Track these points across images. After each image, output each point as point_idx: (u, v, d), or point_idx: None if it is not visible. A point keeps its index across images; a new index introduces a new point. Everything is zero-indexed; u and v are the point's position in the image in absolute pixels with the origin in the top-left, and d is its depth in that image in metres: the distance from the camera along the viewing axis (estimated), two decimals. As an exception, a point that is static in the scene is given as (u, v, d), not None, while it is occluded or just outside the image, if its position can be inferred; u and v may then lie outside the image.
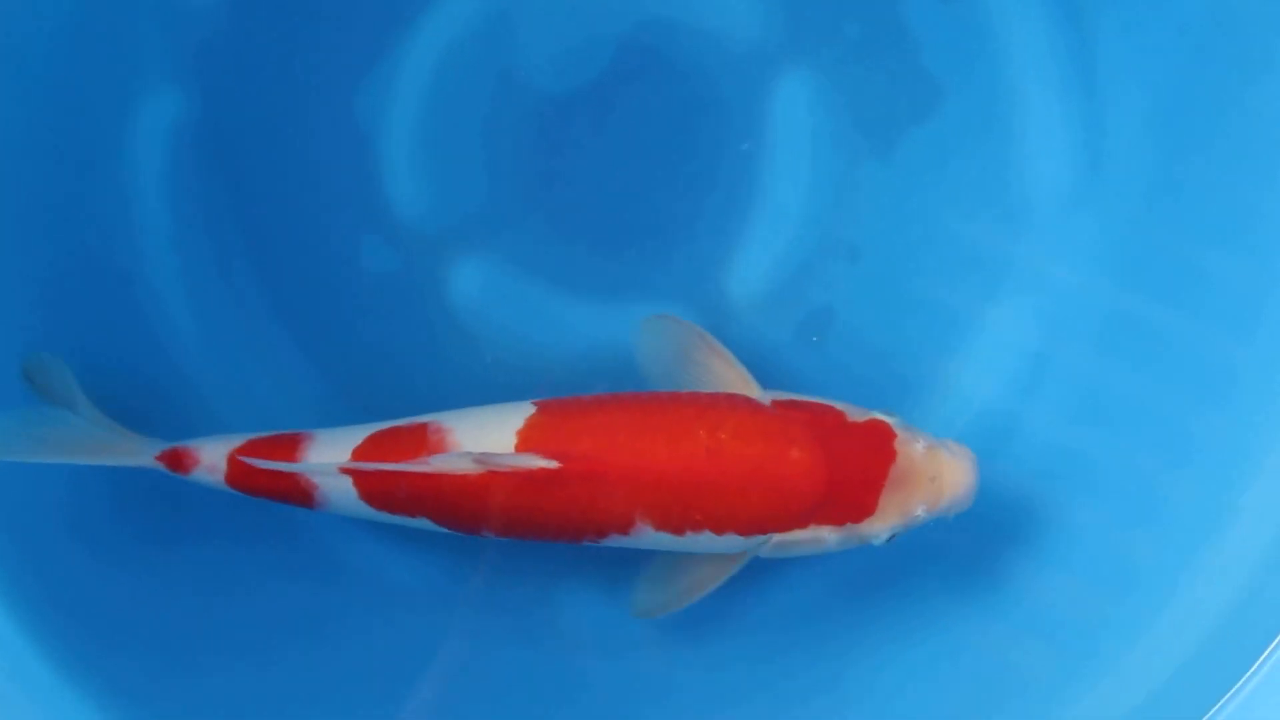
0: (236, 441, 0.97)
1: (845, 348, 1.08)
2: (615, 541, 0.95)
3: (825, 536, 0.94)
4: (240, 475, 0.96)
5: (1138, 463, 1.03)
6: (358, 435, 0.96)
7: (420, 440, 0.94)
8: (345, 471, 0.94)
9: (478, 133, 1.08)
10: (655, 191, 1.08)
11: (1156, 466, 1.03)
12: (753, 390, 0.97)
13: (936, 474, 0.94)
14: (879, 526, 0.94)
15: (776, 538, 0.94)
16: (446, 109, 1.08)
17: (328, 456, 0.95)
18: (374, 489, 0.94)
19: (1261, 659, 0.92)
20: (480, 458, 0.91)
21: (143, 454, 0.97)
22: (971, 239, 1.08)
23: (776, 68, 1.08)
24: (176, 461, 0.97)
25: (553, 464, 0.91)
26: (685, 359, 0.99)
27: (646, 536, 0.94)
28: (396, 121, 1.08)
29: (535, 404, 0.95)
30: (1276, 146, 1.01)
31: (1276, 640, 0.92)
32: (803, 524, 0.93)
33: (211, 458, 0.96)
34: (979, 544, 1.04)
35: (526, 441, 0.93)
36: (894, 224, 1.09)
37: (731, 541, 0.94)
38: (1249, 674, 0.92)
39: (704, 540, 0.94)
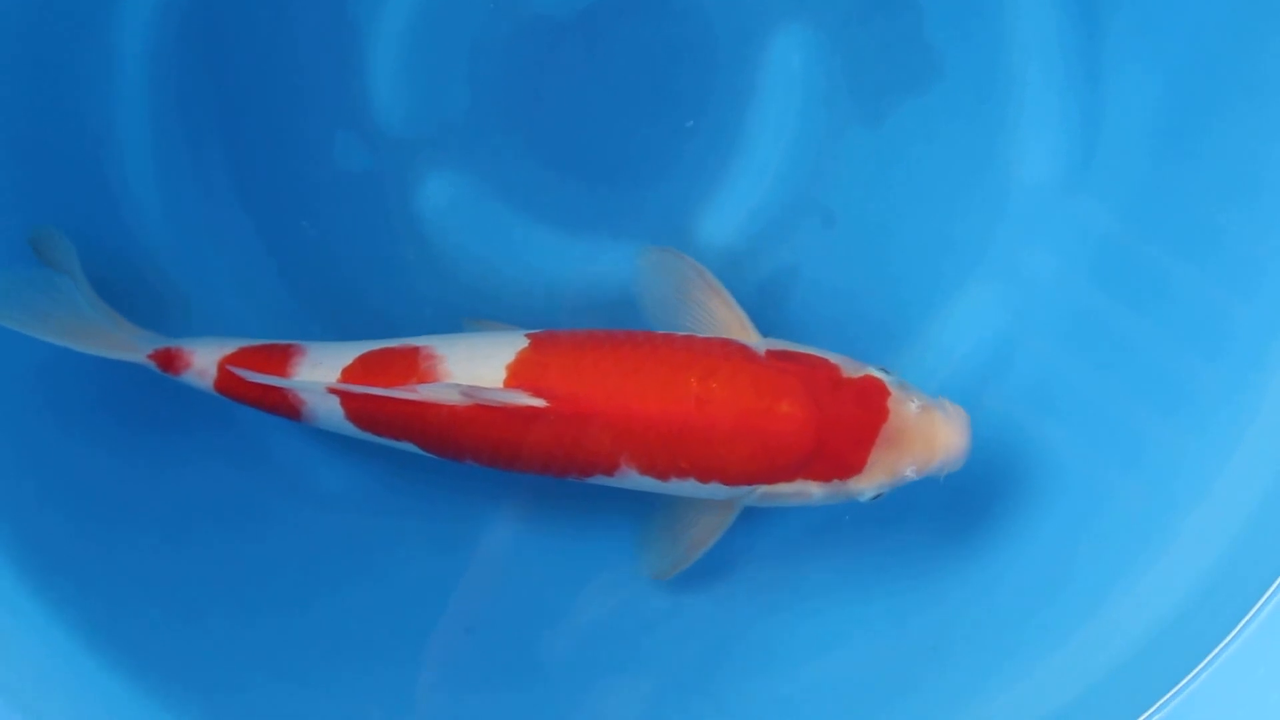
0: (229, 348, 0.97)
1: (807, 311, 1.07)
2: (600, 481, 0.95)
3: (811, 491, 0.93)
4: (229, 383, 0.96)
5: (1118, 430, 1.02)
6: (348, 354, 0.96)
7: (410, 365, 0.94)
8: (333, 392, 0.94)
9: (467, 44, 1.06)
10: (637, 129, 1.07)
11: (1138, 430, 1.02)
12: (749, 334, 0.96)
13: (929, 435, 0.92)
14: (865, 485, 0.93)
15: (762, 489, 0.93)
16: (439, 15, 1.06)
17: (318, 373, 0.95)
18: (360, 410, 0.94)
19: (1240, 625, 0.91)
20: (468, 391, 0.90)
21: (136, 350, 0.97)
22: (950, 218, 1.07)
23: (776, 20, 1.06)
24: (168, 362, 0.97)
25: (539, 402, 0.90)
26: (683, 295, 0.98)
27: (631, 479, 0.93)
28: (388, 21, 1.06)
29: (528, 336, 0.94)
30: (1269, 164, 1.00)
31: (1261, 600, 0.91)
32: (789, 478, 0.92)
33: (203, 362, 0.96)
34: (957, 493, 1.03)
35: (515, 376, 0.92)
36: (873, 192, 1.07)
37: (716, 490, 0.93)
38: (1229, 638, 0.91)
39: (689, 487, 0.93)
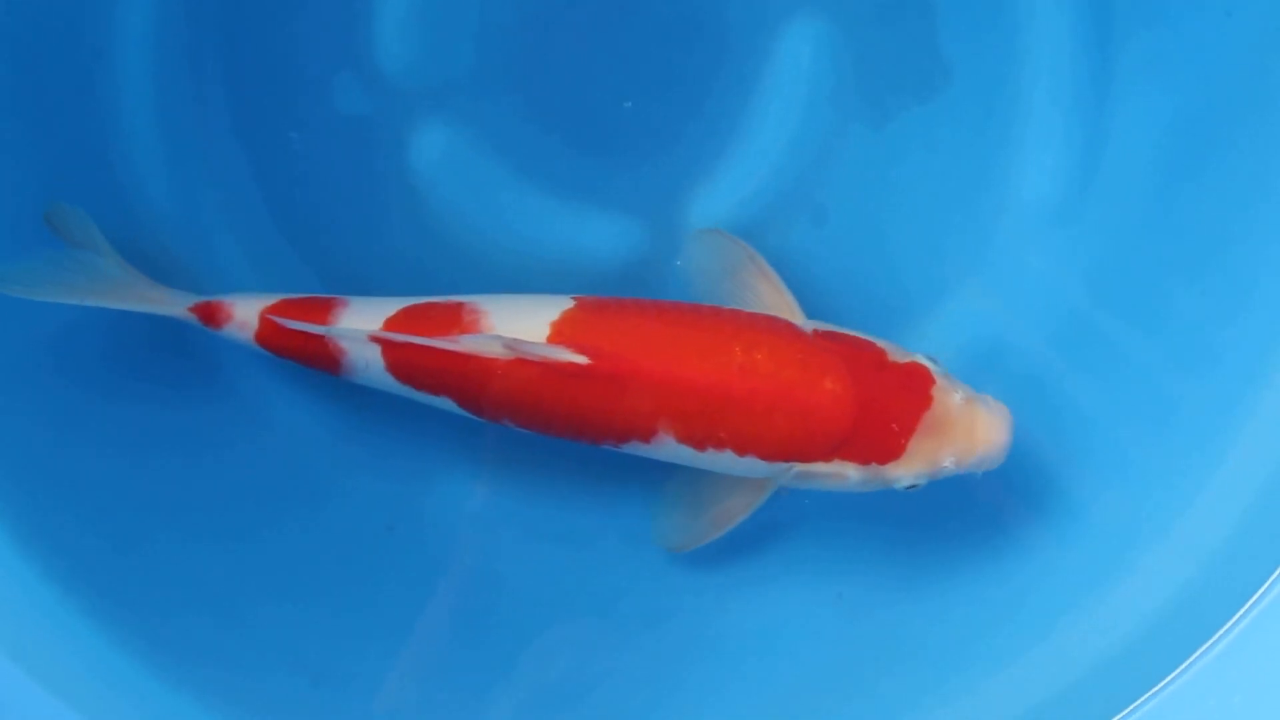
0: (270, 300, 0.96)
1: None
2: (635, 449, 0.93)
3: (848, 474, 0.92)
4: (270, 334, 0.96)
5: (1076, 471, 1.02)
6: (391, 307, 0.95)
7: (454, 319, 0.93)
8: (374, 340, 0.93)
9: (478, -1, 1.06)
10: (641, 102, 1.06)
11: (1091, 480, 1.02)
12: (796, 317, 0.95)
13: (971, 428, 0.91)
14: (903, 472, 0.92)
15: (798, 467, 0.92)
16: (453, -34, 1.06)
17: (359, 324, 0.94)
18: (401, 362, 0.94)
19: (1190, 660, 0.91)
20: (510, 343, 0.90)
21: (175, 304, 0.97)
22: (943, 228, 1.06)
23: (791, 11, 1.05)
24: (209, 315, 0.97)
25: (581, 359, 0.90)
26: (732, 277, 0.98)
27: (667, 448, 0.92)
28: (401, -33, 1.06)
29: (574, 299, 0.94)
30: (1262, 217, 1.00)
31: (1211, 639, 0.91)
32: (826, 457, 0.91)
33: (244, 314, 0.96)
34: (911, 507, 1.02)
35: (559, 334, 0.92)
36: (869, 195, 1.06)
37: (752, 465, 0.92)
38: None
39: (725, 460, 0.92)
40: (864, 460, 0.91)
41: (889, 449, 0.91)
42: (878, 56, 1.06)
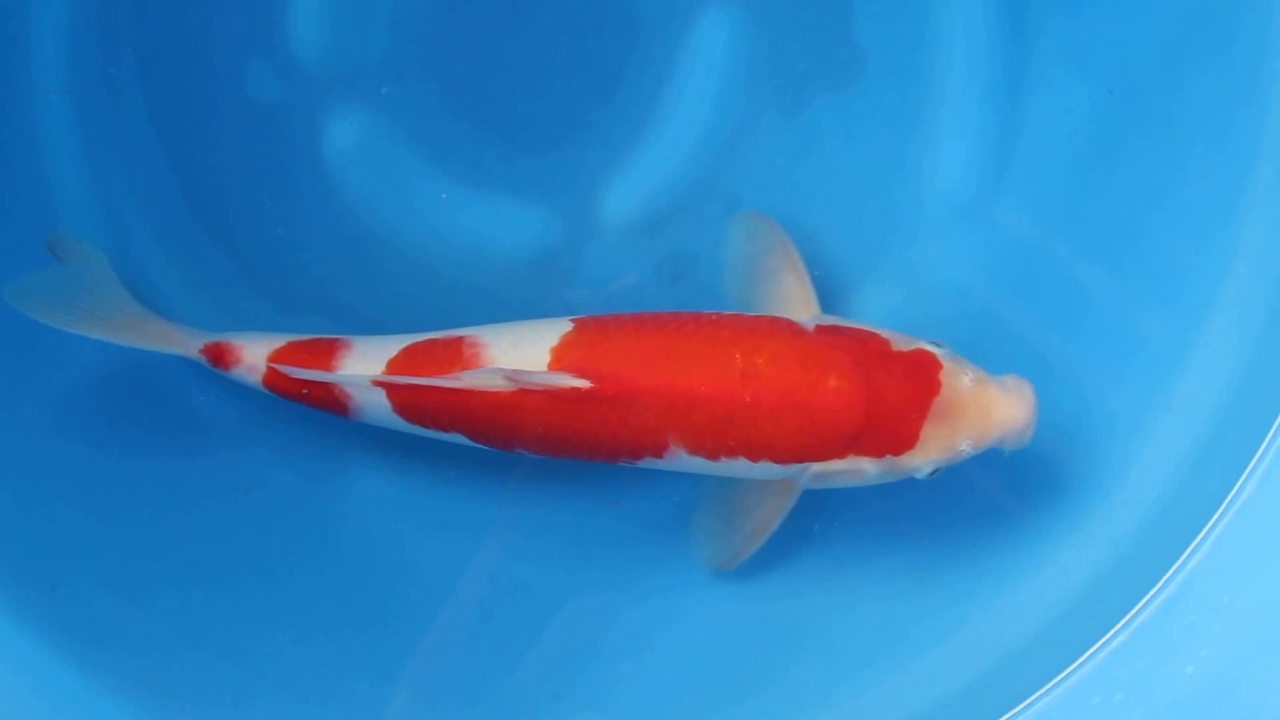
0: (277, 343, 0.97)
1: (702, 294, 1.05)
2: (651, 464, 0.93)
3: (864, 468, 0.91)
4: (276, 379, 0.96)
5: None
6: (393, 346, 0.95)
7: (455, 355, 0.93)
8: (378, 384, 0.93)
9: (393, -15, 1.06)
10: (552, 89, 1.06)
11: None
12: (812, 309, 0.96)
13: (984, 408, 0.90)
14: (920, 460, 0.90)
15: (815, 467, 0.91)
16: (367, -48, 1.05)
17: (363, 366, 0.94)
18: (407, 402, 0.94)
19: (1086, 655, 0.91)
20: (512, 375, 0.90)
21: (187, 345, 0.98)
22: (857, 216, 1.05)
23: (707, -2, 1.05)
24: (219, 357, 0.97)
25: (584, 383, 0.89)
26: (761, 261, 0.98)
27: (681, 460, 0.92)
28: (313, -47, 1.05)
29: (572, 321, 0.94)
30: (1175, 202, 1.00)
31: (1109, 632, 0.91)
32: (840, 454, 0.90)
33: (252, 358, 0.97)
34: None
35: (560, 359, 0.91)
36: (782, 182, 1.05)
37: (768, 469, 0.91)
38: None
39: (740, 467, 0.92)
40: (879, 453, 0.90)
41: (902, 438, 0.90)
42: (792, 44, 1.05)
